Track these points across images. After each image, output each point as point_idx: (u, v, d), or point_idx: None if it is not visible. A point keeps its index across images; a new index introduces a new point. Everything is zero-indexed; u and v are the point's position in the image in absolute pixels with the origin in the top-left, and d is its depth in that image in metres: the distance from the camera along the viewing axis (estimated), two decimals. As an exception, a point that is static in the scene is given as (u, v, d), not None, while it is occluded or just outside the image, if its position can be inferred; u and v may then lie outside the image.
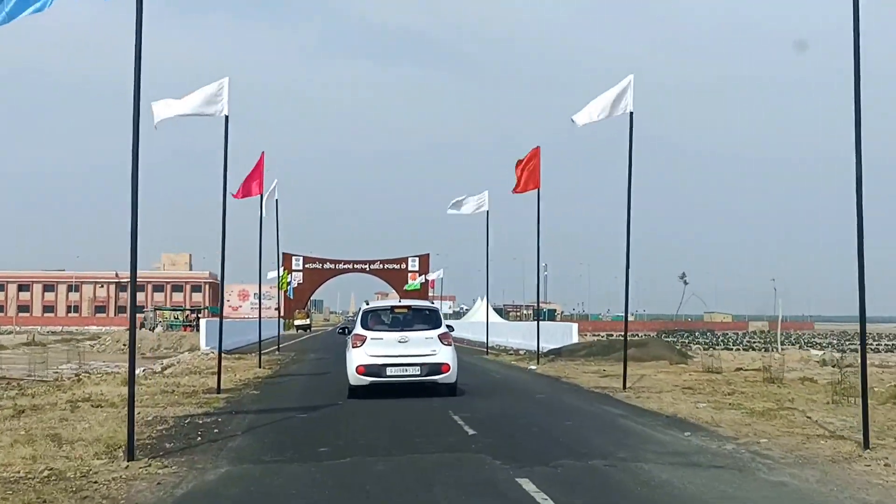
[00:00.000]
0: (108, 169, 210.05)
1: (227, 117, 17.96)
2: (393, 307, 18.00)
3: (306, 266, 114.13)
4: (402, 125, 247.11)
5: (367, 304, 18.28)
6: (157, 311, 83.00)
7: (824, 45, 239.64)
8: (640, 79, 19.04)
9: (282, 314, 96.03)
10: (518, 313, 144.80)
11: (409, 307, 17.89)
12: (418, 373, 16.53)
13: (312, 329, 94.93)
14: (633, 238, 18.99)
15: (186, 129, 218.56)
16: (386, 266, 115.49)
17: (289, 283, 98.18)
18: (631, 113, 18.68)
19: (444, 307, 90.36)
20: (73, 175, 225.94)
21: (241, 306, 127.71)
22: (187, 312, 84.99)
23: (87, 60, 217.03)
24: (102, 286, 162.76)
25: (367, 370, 16.44)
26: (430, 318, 17.23)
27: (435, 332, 16.86)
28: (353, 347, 16.75)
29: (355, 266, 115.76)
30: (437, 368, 16.59)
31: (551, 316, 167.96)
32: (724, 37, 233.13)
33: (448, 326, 17.50)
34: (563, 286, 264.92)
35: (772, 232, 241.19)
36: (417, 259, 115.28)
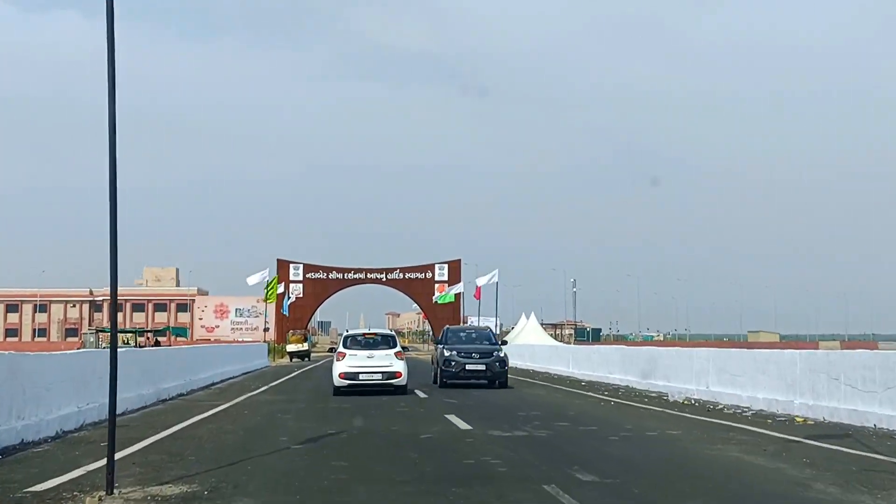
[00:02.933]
0: (79, 175, 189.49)
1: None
2: (364, 334, 24.78)
3: (307, 276, 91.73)
4: (420, 142, 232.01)
5: (348, 331, 25.99)
6: (100, 333, 60.58)
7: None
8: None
9: (273, 337, 73.37)
10: (557, 332, 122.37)
11: (375, 333, 24.67)
12: (381, 378, 23.04)
13: (312, 357, 72.95)
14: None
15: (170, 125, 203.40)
16: (407, 275, 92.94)
17: (285, 297, 75.74)
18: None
19: (490, 323, 68.42)
20: (41, 185, 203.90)
21: (217, 326, 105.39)
22: (147, 335, 62.68)
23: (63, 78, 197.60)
24: (74, 306, 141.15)
25: (345, 376, 23.04)
26: (389, 341, 24.10)
27: (392, 351, 23.54)
28: (337, 361, 23.58)
29: (368, 276, 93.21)
30: (393, 375, 23.13)
31: (596, 336, 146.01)
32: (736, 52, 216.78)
33: (404, 347, 24.91)
34: (588, 303, 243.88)
35: (823, 250, 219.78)
36: (446, 267, 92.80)
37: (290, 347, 59.27)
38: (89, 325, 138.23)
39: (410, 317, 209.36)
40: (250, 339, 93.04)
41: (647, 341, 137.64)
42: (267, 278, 54.10)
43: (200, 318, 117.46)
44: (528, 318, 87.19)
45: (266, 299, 59.08)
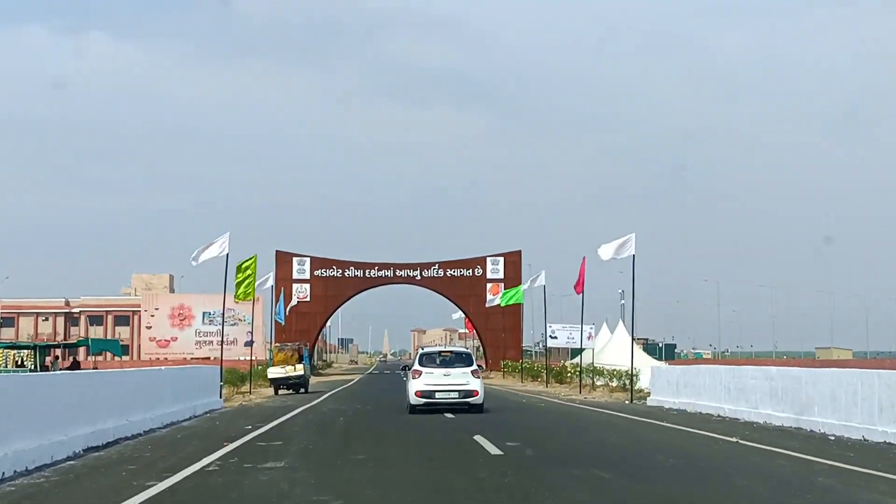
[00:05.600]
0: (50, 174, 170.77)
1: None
2: (440, 351, 25.11)
3: (316, 273, 68.95)
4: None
5: (423, 348, 26.37)
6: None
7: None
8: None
9: (265, 355, 50.73)
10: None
11: (451, 351, 25.10)
12: (457, 396, 22.83)
13: (319, 384, 50.78)
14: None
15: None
16: (449, 272, 69.90)
17: (279, 299, 52.91)
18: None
19: (561, 337, 47.63)
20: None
21: (174, 338, 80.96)
22: (54, 351, 40.52)
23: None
24: (47, 319, 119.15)
25: (422, 394, 22.88)
26: (465, 359, 23.78)
27: (469, 369, 23.19)
28: (413, 379, 23.17)
29: (397, 273, 70.24)
30: (470, 393, 22.90)
31: (670, 353, 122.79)
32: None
33: (479, 366, 25.23)
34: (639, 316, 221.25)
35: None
36: (501, 261, 69.76)
37: (274, 372, 36.46)
38: (66, 341, 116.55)
39: (437, 334, 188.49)
40: (227, 359, 69.02)
41: (699, 359, 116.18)
42: (226, 251, 31.39)
43: (149, 327, 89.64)
44: (611, 329, 64.31)
45: (238, 295, 36.36)
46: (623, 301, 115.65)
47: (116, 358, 54.19)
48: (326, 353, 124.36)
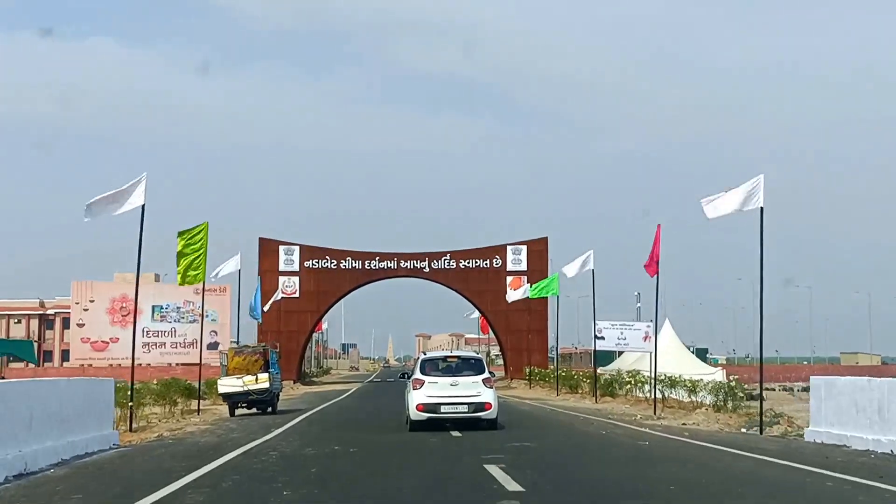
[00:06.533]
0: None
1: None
2: (446, 357, 20.99)
3: (307, 264, 58.53)
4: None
5: (425, 353, 24.53)
6: None
7: None
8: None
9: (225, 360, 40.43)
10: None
11: (458, 357, 20.92)
12: (466, 410, 19.37)
13: (301, 394, 41.58)
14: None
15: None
16: (463, 263, 59.46)
17: (256, 293, 42.73)
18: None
19: (610, 337, 38.27)
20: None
21: (116, 339, 65.70)
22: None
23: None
24: (19, 321, 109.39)
25: (425, 407, 19.39)
26: (475, 366, 20.25)
27: (480, 377, 19.70)
28: (414, 389, 19.62)
29: (402, 264, 59.84)
30: (482, 406, 19.42)
31: (702, 358, 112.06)
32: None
33: (491, 373, 21.01)
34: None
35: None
36: (523, 250, 59.33)
37: (227, 384, 26.11)
38: (40, 346, 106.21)
39: (442, 339, 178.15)
40: (181, 362, 55.79)
41: (715, 364, 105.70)
42: (141, 202, 21.24)
43: (81, 325, 71.68)
44: (650, 331, 53.90)
45: (183, 277, 26.23)
46: (639, 304, 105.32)
47: (31, 365, 43.85)
48: (324, 358, 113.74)
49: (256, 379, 25.60)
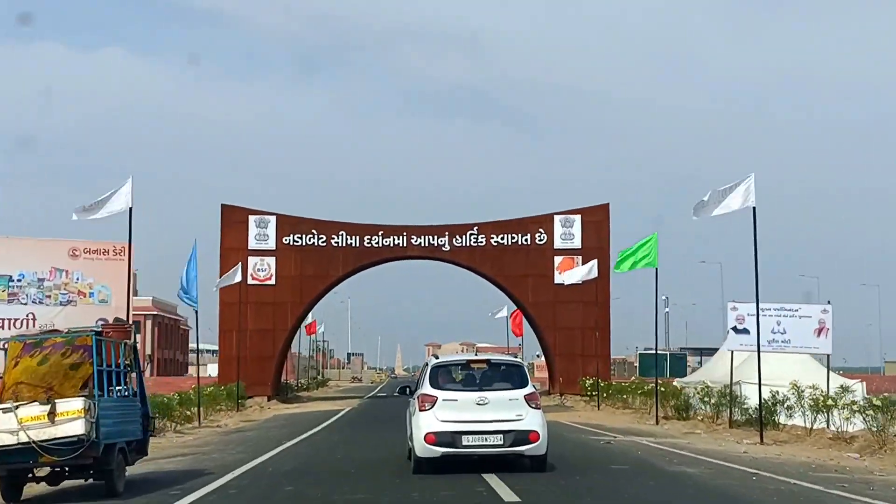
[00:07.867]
0: None
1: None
2: (468, 361, 14.58)
3: (286, 240, 43.62)
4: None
5: (437, 357, 15.27)
6: None
7: None
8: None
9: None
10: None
11: (487, 361, 14.52)
12: (501, 442, 13.24)
13: (275, 417, 27.55)
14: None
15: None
16: (494, 239, 44.52)
17: (190, 271, 28.18)
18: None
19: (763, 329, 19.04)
20: None
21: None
22: None
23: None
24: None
25: (438, 439, 13.20)
26: (513, 376, 13.99)
27: (520, 393, 13.55)
28: (421, 410, 13.48)
29: (413, 242, 44.97)
30: (525, 437, 13.24)
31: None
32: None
33: (535, 386, 14.29)
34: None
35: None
36: (577, 220, 44.25)
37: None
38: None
39: (453, 349, 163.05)
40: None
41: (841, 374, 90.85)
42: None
43: None
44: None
45: None
46: (667, 309, 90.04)
47: None
48: (323, 368, 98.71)
49: (51, 414, 10.71)
